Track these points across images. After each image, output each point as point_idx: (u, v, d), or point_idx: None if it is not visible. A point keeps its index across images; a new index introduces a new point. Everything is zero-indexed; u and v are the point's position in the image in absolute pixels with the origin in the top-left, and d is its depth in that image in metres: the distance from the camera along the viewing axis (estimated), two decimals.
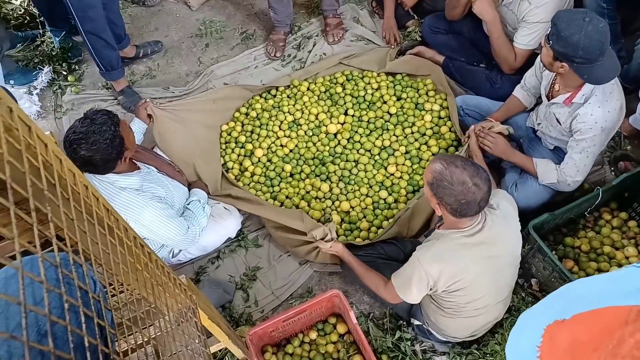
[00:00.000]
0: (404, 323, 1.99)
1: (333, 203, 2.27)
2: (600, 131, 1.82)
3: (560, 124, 1.95)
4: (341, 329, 1.97)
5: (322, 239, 1.94)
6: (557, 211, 1.93)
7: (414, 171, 2.31)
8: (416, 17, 2.91)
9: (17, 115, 0.61)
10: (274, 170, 2.36)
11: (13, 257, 0.53)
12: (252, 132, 2.47)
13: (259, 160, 2.40)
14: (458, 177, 1.42)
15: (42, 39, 2.87)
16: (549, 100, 1.99)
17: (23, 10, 2.98)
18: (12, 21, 2.95)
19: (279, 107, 2.53)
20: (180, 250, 2.09)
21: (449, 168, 1.44)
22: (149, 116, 2.11)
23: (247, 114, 2.54)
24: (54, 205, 0.62)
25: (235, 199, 2.21)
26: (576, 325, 0.74)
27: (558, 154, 2.09)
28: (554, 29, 1.73)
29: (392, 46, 2.81)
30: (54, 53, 2.82)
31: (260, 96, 2.62)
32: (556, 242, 2.10)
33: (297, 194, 2.30)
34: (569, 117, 1.89)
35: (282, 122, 2.48)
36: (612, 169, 2.31)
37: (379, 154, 2.37)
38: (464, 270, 1.51)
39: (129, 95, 2.66)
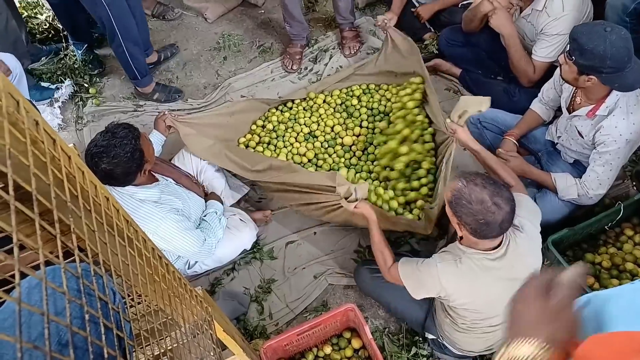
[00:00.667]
0: (420, 339, 1.96)
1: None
2: (625, 143, 1.79)
3: (582, 137, 1.93)
4: (356, 343, 1.94)
5: (346, 198, 1.86)
6: (577, 226, 1.90)
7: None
8: (433, 30, 2.91)
9: (43, 129, 0.63)
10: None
11: (34, 267, 0.54)
12: (269, 143, 2.48)
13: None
14: (477, 195, 1.38)
15: (65, 52, 2.95)
16: (570, 113, 1.97)
17: (48, 25, 3.07)
18: (38, 35, 3.04)
19: (295, 119, 2.54)
20: (196, 262, 2.10)
21: (469, 186, 1.40)
22: (168, 128, 2.14)
23: (263, 127, 2.56)
24: (76, 216, 0.63)
25: (273, 169, 2.15)
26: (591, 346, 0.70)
27: (578, 168, 2.06)
28: (575, 45, 1.71)
29: None
30: (76, 66, 2.89)
31: (277, 109, 2.64)
32: (576, 257, 2.06)
33: None
34: (592, 130, 1.87)
35: (298, 133, 2.49)
36: (634, 183, 2.26)
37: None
38: (482, 293, 1.48)
39: (162, 89, 2.80)
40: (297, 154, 2.41)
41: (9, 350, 0.61)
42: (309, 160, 2.41)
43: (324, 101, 2.62)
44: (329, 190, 1.94)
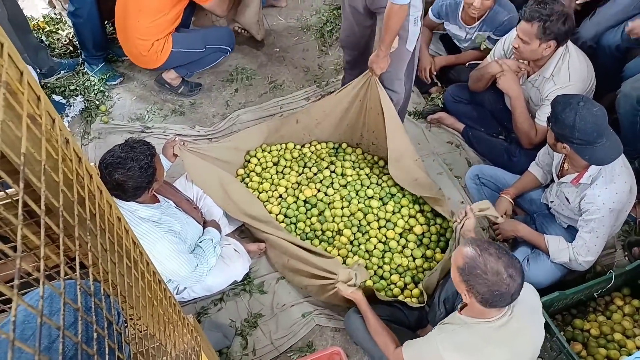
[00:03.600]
0: None
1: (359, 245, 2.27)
2: (608, 212, 1.85)
3: (569, 202, 1.98)
4: None
5: (345, 282, 1.88)
6: (568, 291, 1.91)
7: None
8: (440, 84, 3.00)
9: (72, 147, 0.65)
10: (296, 209, 2.38)
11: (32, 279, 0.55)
12: (263, 178, 2.51)
13: (281, 196, 2.43)
14: (492, 266, 1.34)
15: (82, 68, 3.02)
16: (559, 179, 2.03)
17: (67, 41, 3.15)
18: (57, 50, 3.12)
19: (299, 158, 2.59)
20: (185, 288, 2.08)
21: (483, 255, 1.36)
22: (175, 156, 2.17)
23: (260, 159, 2.59)
24: (92, 235, 0.64)
25: (269, 225, 2.23)
26: None
27: (572, 233, 2.10)
28: (553, 112, 1.84)
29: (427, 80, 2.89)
30: (88, 83, 2.96)
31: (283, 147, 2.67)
32: (565, 322, 2.06)
33: (319, 236, 2.31)
34: (577, 197, 1.93)
35: (297, 171, 2.52)
36: (626, 254, 2.29)
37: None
38: None
39: (185, 83, 2.98)
40: (297, 189, 2.44)
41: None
42: (305, 201, 2.41)
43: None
44: (326, 272, 2.00)
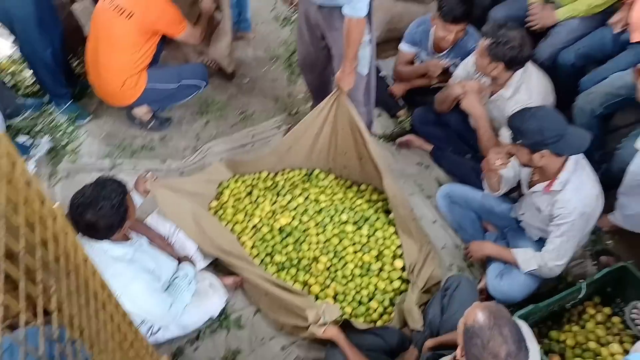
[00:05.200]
0: None
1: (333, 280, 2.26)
2: (579, 216, 1.91)
3: (540, 212, 2.04)
4: None
5: (315, 323, 1.89)
6: (541, 303, 1.95)
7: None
8: (406, 108, 3.07)
9: (35, 189, 0.65)
10: (271, 239, 2.37)
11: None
12: (237, 209, 2.50)
13: (255, 227, 2.41)
14: (494, 347, 1.25)
15: (48, 107, 2.98)
16: (529, 189, 2.09)
17: (33, 80, 3.11)
18: (22, 90, 3.07)
19: (272, 186, 2.60)
20: (159, 328, 2.03)
21: (492, 330, 1.28)
22: (146, 192, 2.15)
23: (233, 190, 2.58)
24: (56, 278, 0.63)
25: (242, 260, 2.22)
26: None
27: (542, 245, 2.14)
28: (514, 130, 1.90)
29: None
30: (54, 122, 2.92)
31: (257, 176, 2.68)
32: (541, 334, 2.09)
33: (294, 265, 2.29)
34: (548, 205, 1.99)
35: (271, 200, 2.52)
36: (595, 263, 2.36)
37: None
38: None
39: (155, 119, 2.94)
40: (273, 218, 2.43)
41: None
42: (280, 229, 2.40)
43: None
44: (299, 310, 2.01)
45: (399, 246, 2.33)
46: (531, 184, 2.10)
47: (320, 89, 2.77)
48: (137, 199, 2.15)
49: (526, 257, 2.06)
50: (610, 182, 2.18)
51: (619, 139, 2.33)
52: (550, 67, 2.55)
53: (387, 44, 3.25)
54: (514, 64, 2.24)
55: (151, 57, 2.72)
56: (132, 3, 2.51)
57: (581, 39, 2.52)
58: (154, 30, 2.62)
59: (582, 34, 2.53)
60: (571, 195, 1.91)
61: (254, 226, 2.42)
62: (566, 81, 2.51)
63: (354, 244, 2.34)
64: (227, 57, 3.18)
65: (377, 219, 2.42)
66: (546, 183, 1.98)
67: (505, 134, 2.37)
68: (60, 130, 2.90)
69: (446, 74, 2.89)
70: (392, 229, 2.40)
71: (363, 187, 2.64)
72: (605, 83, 2.29)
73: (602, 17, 2.51)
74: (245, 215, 2.46)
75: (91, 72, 2.74)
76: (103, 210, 1.67)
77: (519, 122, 1.89)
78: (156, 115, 2.99)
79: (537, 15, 2.66)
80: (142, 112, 2.90)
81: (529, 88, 2.34)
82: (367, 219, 2.42)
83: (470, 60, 2.55)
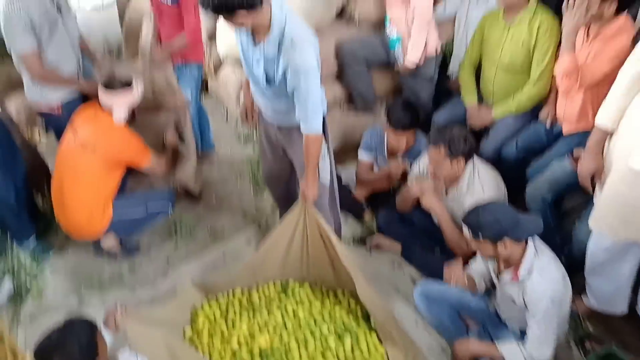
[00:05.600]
0: None
1: None
2: (550, 302, 1.95)
3: (515, 304, 2.08)
4: None
5: None
6: None
7: None
8: (370, 210, 3.17)
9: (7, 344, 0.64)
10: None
11: None
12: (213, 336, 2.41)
13: (234, 354, 2.31)
14: None
15: (10, 247, 2.90)
16: (498, 280, 2.15)
17: None
18: None
19: (248, 304, 2.55)
20: None
21: None
22: (117, 327, 2.07)
23: (207, 313, 2.52)
24: None
25: None
26: None
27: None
28: (471, 226, 2.01)
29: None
30: (17, 262, 2.83)
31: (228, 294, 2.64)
32: None
33: None
34: (519, 293, 2.04)
35: (248, 319, 2.46)
36: (580, 349, 2.35)
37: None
38: None
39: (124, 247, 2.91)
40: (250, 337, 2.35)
41: None
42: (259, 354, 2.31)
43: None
44: None
45: (386, 355, 2.28)
46: (498, 275, 2.17)
47: (286, 199, 2.86)
48: (107, 336, 2.06)
49: (512, 351, 2.05)
50: (576, 264, 2.27)
51: (574, 221, 2.47)
52: (496, 161, 2.76)
53: (343, 153, 3.45)
54: (471, 152, 2.47)
55: (117, 188, 2.76)
56: (95, 137, 2.60)
57: (519, 133, 2.77)
58: (118, 162, 2.69)
59: (519, 129, 2.79)
60: (538, 280, 1.97)
61: (233, 352, 2.32)
62: (512, 172, 2.70)
63: (338, 358, 2.27)
64: (192, 179, 3.26)
65: (359, 326, 2.39)
66: (511, 271, 2.05)
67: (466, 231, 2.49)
68: (24, 270, 2.81)
69: (404, 175, 3.06)
70: (375, 335, 2.36)
71: (340, 293, 2.63)
72: (548, 172, 2.48)
73: (532, 113, 2.79)
74: (223, 339, 2.38)
75: (57, 207, 2.74)
76: (72, 353, 1.61)
77: (475, 218, 2.01)
78: (123, 243, 2.96)
79: (476, 116, 2.94)
80: (110, 242, 2.88)
81: (481, 181, 2.51)
82: (349, 330, 2.37)
83: (421, 161, 2.74)
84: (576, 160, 2.24)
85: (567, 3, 2.27)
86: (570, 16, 2.27)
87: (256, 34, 2.04)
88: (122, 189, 2.92)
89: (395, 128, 2.79)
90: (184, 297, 2.54)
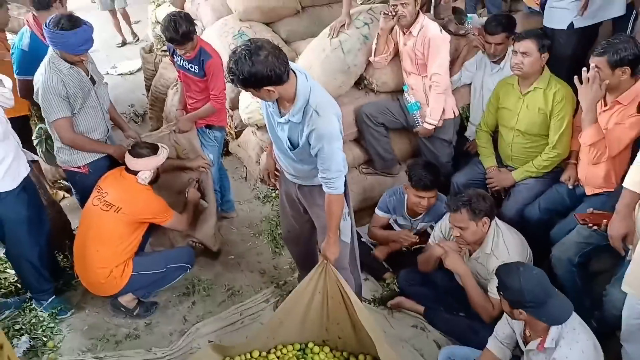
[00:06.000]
0: None
1: None
2: None
3: None
4: None
5: None
6: None
7: None
8: (390, 270, 3.13)
9: None
10: None
11: None
12: None
13: None
14: None
15: (29, 304, 2.89)
16: (525, 347, 2.07)
17: (15, 279, 3.07)
18: (2, 289, 3.02)
19: None
20: None
21: None
22: None
23: None
24: None
25: None
26: None
27: None
28: (499, 281, 1.97)
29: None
30: (35, 320, 2.81)
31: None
32: None
33: None
34: None
35: None
36: None
37: None
38: None
39: (140, 305, 2.89)
40: None
41: None
42: None
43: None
44: None
45: None
46: (525, 341, 2.09)
47: (306, 259, 2.85)
48: None
49: None
50: (607, 329, 2.19)
51: (603, 284, 2.41)
52: (519, 223, 2.75)
53: (362, 211, 3.46)
54: (492, 210, 2.47)
55: (137, 246, 2.81)
56: (119, 198, 2.69)
57: (541, 195, 2.79)
58: (140, 221, 2.76)
59: (541, 191, 2.81)
60: (566, 352, 1.89)
61: None
62: (536, 234, 2.68)
63: None
64: (212, 237, 3.29)
65: None
66: (538, 340, 1.98)
67: (495, 290, 2.43)
68: (42, 327, 2.78)
69: (424, 235, 3.05)
70: None
71: (361, 358, 2.54)
72: (573, 234, 2.46)
73: (554, 175, 2.82)
74: None
75: (78, 263, 2.77)
76: None
77: (504, 276, 1.97)
78: (142, 301, 2.94)
79: (495, 178, 2.97)
80: (127, 299, 2.87)
81: (506, 243, 2.48)
82: None
83: (444, 222, 2.74)
84: (582, 218, 2.26)
85: (580, 78, 2.34)
86: (587, 90, 2.33)
87: (281, 103, 2.13)
88: (142, 245, 2.96)
89: (416, 187, 2.82)
90: (200, 359, 2.47)
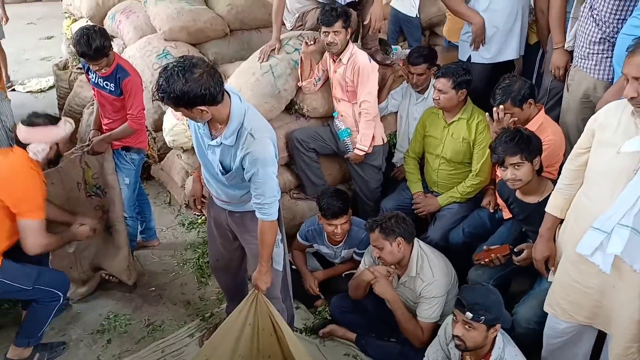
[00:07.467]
0: None
1: None
2: None
3: None
4: None
5: None
6: None
7: None
8: (322, 297, 3.09)
9: None
10: None
11: None
12: None
13: None
14: None
15: None
16: None
17: None
18: None
19: None
20: None
21: None
22: None
23: None
24: None
25: None
26: None
27: None
28: (473, 306, 1.93)
29: None
30: None
31: None
32: None
33: None
34: None
35: None
36: None
37: None
38: None
39: (42, 348, 2.62)
40: None
41: None
42: None
43: None
44: None
45: None
46: None
47: (235, 289, 2.73)
48: None
49: None
50: (522, 348, 2.28)
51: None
52: (444, 247, 2.84)
53: (294, 237, 3.37)
54: (408, 232, 2.50)
55: (9, 241, 2.39)
56: None
57: (464, 219, 2.91)
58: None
59: (464, 215, 2.94)
60: None
61: None
62: (460, 257, 2.78)
63: None
64: (126, 270, 3.08)
65: None
66: None
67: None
68: None
69: (353, 261, 3.05)
70: None
71: None
72: None
73: (476, 200, 2.97)
74: None
75: None
76: None
77: (482, 297, 1.95)
78: (40, 344, 2.60)
79: (422, 203, 3.07)
80: (17, 352, 2.56)
81: (430, 265, 2.54)
82: None
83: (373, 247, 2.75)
84: (476, 259, 2.52)
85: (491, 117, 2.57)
86: (498, 127, 2.52)
87: (212, 125, 2.05)
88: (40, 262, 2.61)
89: (326, 216, 2.82)
90: None
